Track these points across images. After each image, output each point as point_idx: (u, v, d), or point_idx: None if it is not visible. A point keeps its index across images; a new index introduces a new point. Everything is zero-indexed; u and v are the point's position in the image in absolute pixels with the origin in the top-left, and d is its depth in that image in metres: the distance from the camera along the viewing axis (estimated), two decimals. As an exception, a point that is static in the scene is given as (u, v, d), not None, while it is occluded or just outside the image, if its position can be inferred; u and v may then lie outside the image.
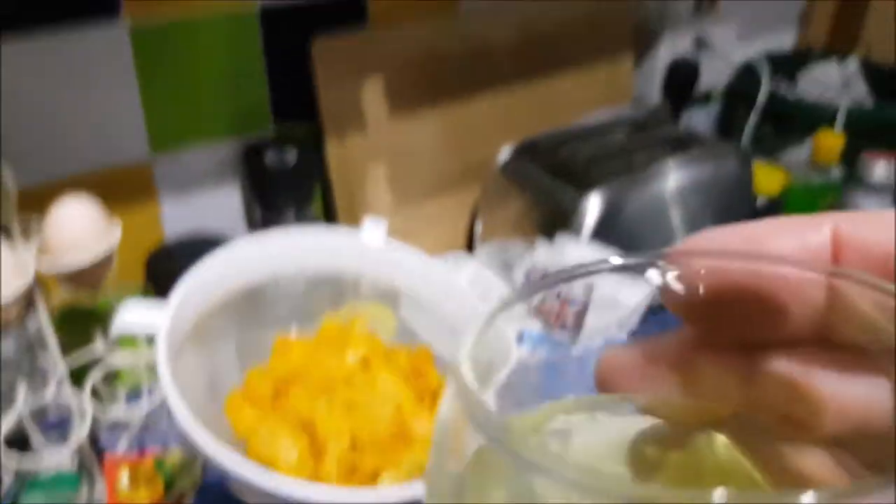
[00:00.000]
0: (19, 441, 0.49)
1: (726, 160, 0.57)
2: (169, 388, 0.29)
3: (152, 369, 0.49)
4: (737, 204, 0.57)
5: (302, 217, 0.55)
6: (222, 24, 0.52)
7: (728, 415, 0.13)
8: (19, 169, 0.45)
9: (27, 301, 0.40)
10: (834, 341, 0.13)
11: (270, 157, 0.54)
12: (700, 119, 0.77)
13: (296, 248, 0.40)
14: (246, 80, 0.55)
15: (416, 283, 0.40)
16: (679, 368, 0.13)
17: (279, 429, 0.33)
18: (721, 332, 0.14)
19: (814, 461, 0.12)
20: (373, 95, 0.57)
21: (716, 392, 0.12)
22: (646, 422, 0.13)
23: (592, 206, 0.51)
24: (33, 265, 0.40)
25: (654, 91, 0.71)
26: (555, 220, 0.52)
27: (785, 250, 0.13)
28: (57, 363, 0.44)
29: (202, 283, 0.36)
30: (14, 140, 0.47)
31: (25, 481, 0.48)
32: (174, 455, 0.49)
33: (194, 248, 0.54)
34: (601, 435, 0.14)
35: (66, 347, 0.47)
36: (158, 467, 0.48)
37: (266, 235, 0.41)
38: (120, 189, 0.53)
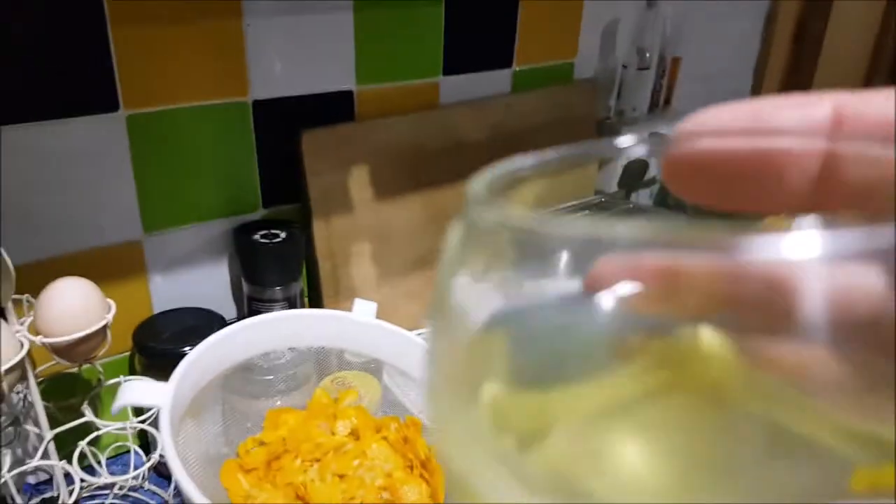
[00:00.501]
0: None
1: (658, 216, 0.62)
2: (174, 463, 0.31)
3: (136, 436, 0.51)
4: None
5: (288, 293, 0.58)
6: (217, 112, 0.56)
7: (715, 312, 0.13)
8: (15, 247, 0.47)
9: (19, 374, 0.42)
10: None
11: (259, 236, 0.57)
12: (644, 197, 0.83)
13: (285, 327, 0.43)
14: (237, 166, 0.58)
15: (397, 355, 0.43)
16: (667, 269, 0.13)
17: (274, 496, 0.35)
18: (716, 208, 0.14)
19: (802, 354, 0.11)
20: (358, 181, 0.61)
21: (701, 290, 0.12)
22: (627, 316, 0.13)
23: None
24: (27, 341, 0.42)
25: (613, 181, 0.77)
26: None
27: (787, 123, 0.13)
28: (44, 432, 0.45)
29: (199, 363, 0.38)
30: (11, 218, 0.50)
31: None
32: (154, 523, 0.50)
33: (179, 321, 0.57)
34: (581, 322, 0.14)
35: (51, 412, 0.48)
36: (138, 536, 0.49)
37: (259, 319, 0.43)
38: (111, 266, 0.55)
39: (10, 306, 0.42)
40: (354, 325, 0.44)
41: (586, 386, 0.13)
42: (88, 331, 0.42)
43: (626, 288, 0.12)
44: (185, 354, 0.53)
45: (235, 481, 0.36)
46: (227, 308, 0.61)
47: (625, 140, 0.15)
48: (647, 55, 0.75)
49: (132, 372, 0.57)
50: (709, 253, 0.10)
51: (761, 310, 0.12)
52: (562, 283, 0.13)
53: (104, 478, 0.46)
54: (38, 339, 0.42)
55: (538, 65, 0.71)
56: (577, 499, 0.12)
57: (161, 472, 0.54)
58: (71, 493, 0.46)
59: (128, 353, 0.57)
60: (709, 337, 0.12)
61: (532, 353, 0.14)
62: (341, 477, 0.38)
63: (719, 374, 0.13)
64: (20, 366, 0.42)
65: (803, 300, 0.10)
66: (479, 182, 0.14)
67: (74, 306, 0.42)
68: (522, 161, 0.15)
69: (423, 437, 0.41)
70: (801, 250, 0.10)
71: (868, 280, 0.10)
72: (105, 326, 0.43)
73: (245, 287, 0.58)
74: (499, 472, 0.12)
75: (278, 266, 0.58)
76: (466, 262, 0.13)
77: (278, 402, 0.48)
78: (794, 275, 0.10)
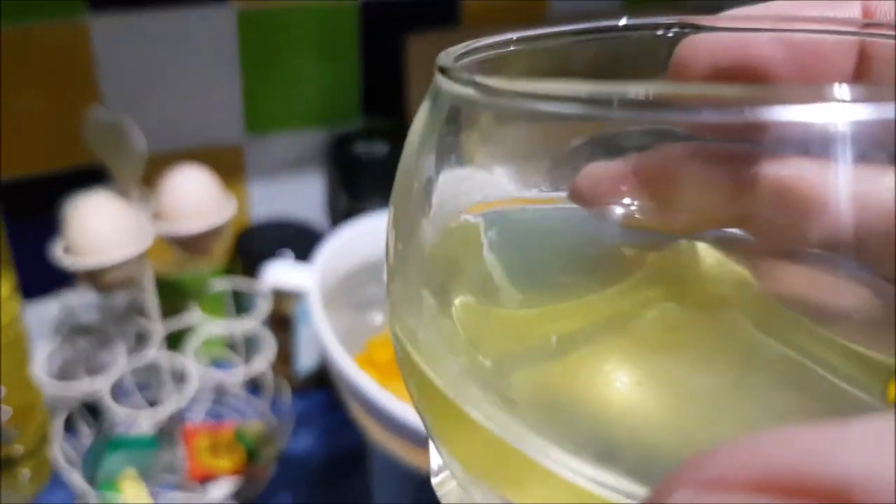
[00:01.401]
0: (94, 405, 0.50)
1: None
2: (323, 326, 0.31)
3: (233, 344, 0.50)
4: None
5: (386, 207, 0.56)
6: (325, 13, 0.54)
7: (713, 228, 0.12)
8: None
9: (139, 265, 0.41)
10: None
11: (360, 148, 0.56)
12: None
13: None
14: (340, 70, 0.56)
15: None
16: (664, 180, 0.12)
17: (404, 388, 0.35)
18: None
19: (802, 274, 0.11)
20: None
21: (702, 206, 0.11)
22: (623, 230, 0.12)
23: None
24: (152, 229, 0.41)
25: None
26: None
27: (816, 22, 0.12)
28: (157, 327, 0.45)
29: (333, 255, 0.37)
30: (110, 107, 0.48)
31: (106, 443, 0.49)
32: (255, 427, 0.50)
33: (279, 233, 0.55)
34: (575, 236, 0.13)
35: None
36: (239, 438, 0.49)
37: (378, 218, 0.42)
38: (213, 167, 0.54)
39: (135, 191, 0.41)
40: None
41: (574, 301, 0.12)
42: (219, 222, 0.40)
43: (622, 199, 0.11)
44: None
45: (367, 371, 0.36)
46: (322, 221, 0.60)
47: (629, 20, 0.13)
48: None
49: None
50: (723, 115, 0.09)
51: (771, 225, 0.11)
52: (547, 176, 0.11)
53: (217, 374, 0.45)
54: (165, 229, 0.41)
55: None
56: (561, 418, 0.10)
57: (256, 383, 0.53)
58: (182, 388, 0.45)
59: (220, 264, 0.56)
60: (707, 253, 0.11)
61: (516, 265, 0.12)
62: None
63: (717, 291, 0.12)
64: (143, 256, 0.41)
65: (816, 210, 0.09)
66: (450, 54, 0.12)
67: (202, 195, 0.40)
68: (505, 36, 0.13)
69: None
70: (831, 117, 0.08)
71: (883, 190, 0.09)
72: (228, 221, 0.42)
73: (343, 200, 0.57)
74: (477, 388, 0.11)
75: (378, 180, 0.56)
76: (439, 147, 0.11)
77: (378, 320, 0.47)
78: (804, 185, 0.09)
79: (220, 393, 0.53)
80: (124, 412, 0.41)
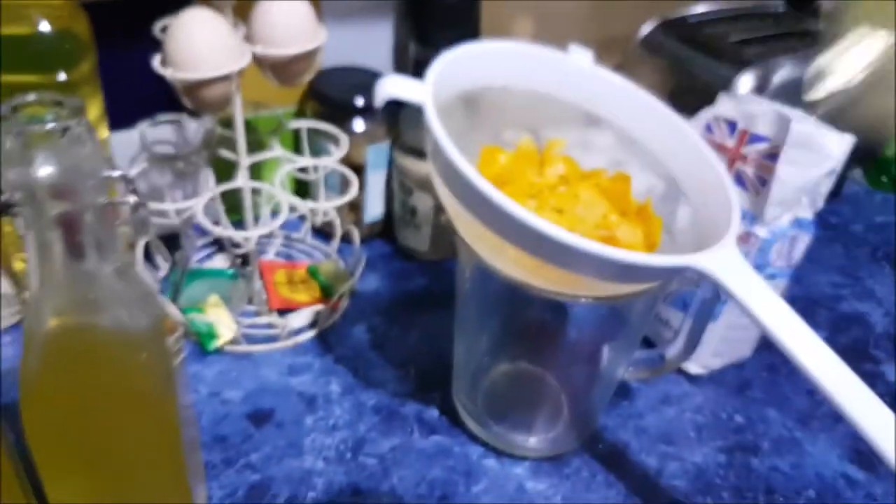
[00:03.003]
0: (173, 237, 0.51)
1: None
2: (440, 134, 0.32)
3: (302, 188, 0.51)
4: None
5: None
6: None
7: None
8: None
9: (234, 87, 0.41)
10: None
11: (433, -5, 0.55)
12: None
13: (518, 62, 0.41)
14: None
15: (618, 108, 0.42)
16: None
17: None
18: None
19: None
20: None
21: None
22: None
23: (745, 83, 0.53)
24: (248, 49, 0.41)
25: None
26: (697, 94, 0.54)
27: None
28: (242, 158, 0.45)
29: (446, 73, 0.37)
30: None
31: (184, 272, 0.51)
32: (327, 265, 0.52)
33: (350, 77, 0.55)
34: None
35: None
36: (313, 275, 0.51)
37: (499, 43, 0.41)
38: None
39: (229, 11, 0.40)
40: (573, 69, 0.42)
41: None
42: (313, 45, 0.40)
43: None
44: (359, 107, 0.52)
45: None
46: (389, 70, 0.59)
47: None
48: None
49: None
50: None
51: None
52: None
53: (304, 204, 0.46)
54: (261, 50, 0.41)
55: None
56: None
57: (324, 231, 0.54)
58: (264, 220, 0.46)
59: (286, 110, 0.56)
60: None
61: None
62: (559, 212, 0.39)
63: None
64: (237, 79, 0.41)
65: None
66: None
67: (298, 17, 0.40)
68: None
69: (630, 192, 0.40)
70: None
71: None
72: (319, 47, 0.42)
73: (412, 49, 0.56)
74: None
75: (448, 29, 0.55)
76: None
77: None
78: None
79: (289, 237, 0.55)
80: (219, 230, 0.43)
